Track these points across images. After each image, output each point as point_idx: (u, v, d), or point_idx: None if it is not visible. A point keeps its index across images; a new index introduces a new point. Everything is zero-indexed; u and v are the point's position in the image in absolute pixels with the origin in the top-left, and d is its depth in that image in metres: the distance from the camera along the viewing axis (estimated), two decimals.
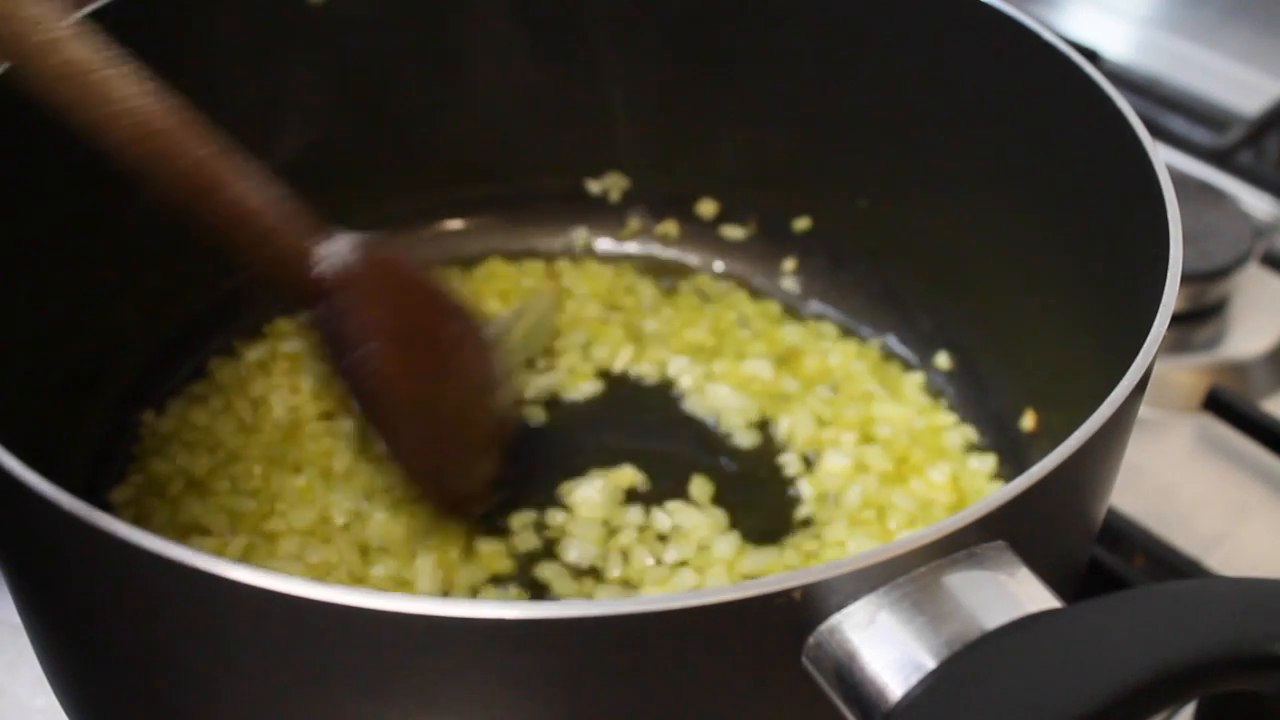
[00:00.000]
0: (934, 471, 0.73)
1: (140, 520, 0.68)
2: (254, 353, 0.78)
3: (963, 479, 0.73)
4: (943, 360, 0.79)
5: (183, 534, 0.68)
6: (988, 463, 0.74)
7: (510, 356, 0.77)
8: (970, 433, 0.76)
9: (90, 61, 0.54)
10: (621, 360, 0.79)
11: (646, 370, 0.79)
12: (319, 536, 0.68)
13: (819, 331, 0.82)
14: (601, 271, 0.86)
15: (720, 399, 0.76)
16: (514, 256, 0.87)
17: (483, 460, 0.70)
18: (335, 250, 0.62)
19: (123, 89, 0.54)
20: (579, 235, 0.87)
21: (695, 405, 0.77)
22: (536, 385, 0.77)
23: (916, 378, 0.79)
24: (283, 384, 0.76)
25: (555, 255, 0.87)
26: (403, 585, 0.66)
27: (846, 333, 0.82)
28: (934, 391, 0.78)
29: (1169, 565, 0.75)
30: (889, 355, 0.81)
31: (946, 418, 0.76)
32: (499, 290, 0.84)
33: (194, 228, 0.57)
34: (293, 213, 0.60)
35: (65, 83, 0.53)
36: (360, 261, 0.62)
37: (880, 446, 0.74)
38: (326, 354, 0.63)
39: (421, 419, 0.66)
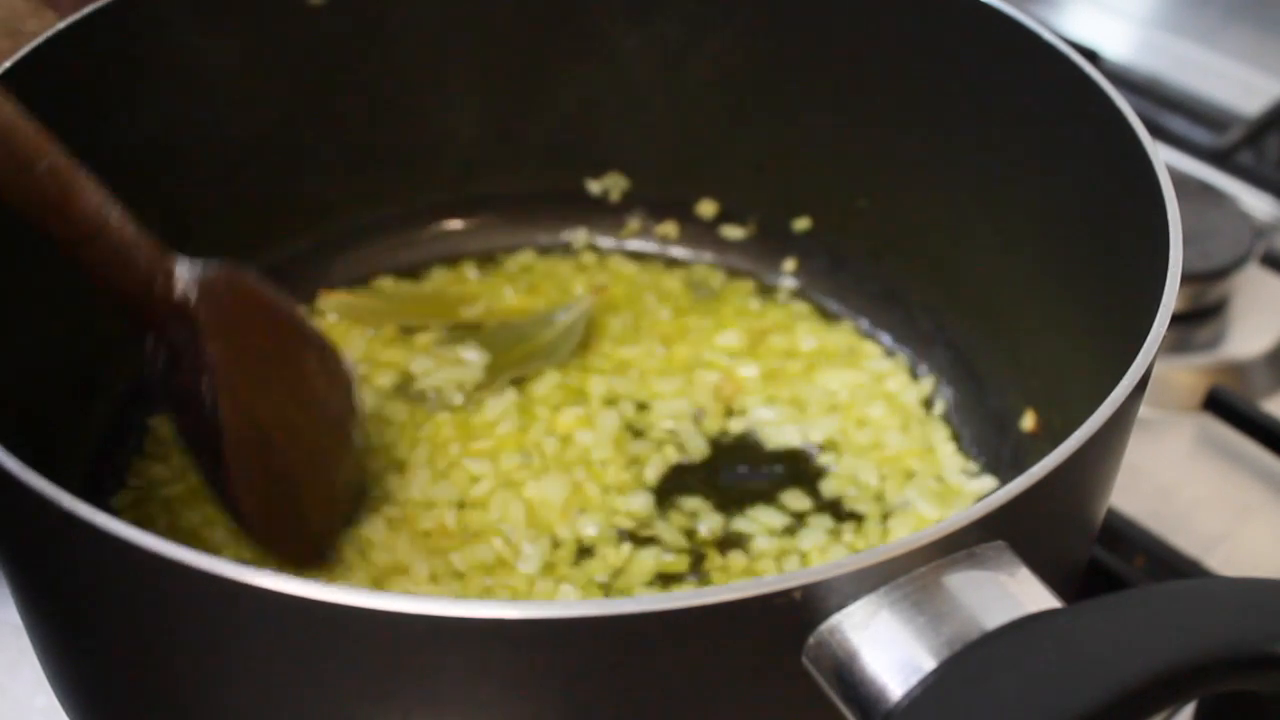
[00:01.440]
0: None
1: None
2: None
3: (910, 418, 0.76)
4: (942, 360, 0.79)
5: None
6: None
7: (538, 361, 0.78)
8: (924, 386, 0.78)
9: None
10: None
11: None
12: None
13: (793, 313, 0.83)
14: (626, 269, 0.86)
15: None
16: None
17: (327, 506, 0.67)
18: (186, 273, 0.59)
19: None
20: (579, 235, 0.87)
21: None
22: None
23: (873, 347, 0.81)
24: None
25: (553, 254, 0.87)
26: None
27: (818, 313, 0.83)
28: (875, 340, 0.81)
29: (1169, 565, 0.75)
30: (859, 332, 0.82)
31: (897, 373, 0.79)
32: (530, 284, 0.84)
33: (45, 240, 0.56)
34: (142, 233, 0.58)
35: None
36: (211, 285, 0.60)
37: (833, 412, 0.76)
38: (163, 381, 0.61)
39: (259, 457, 0.63)
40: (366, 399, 0.75)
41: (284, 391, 0.64)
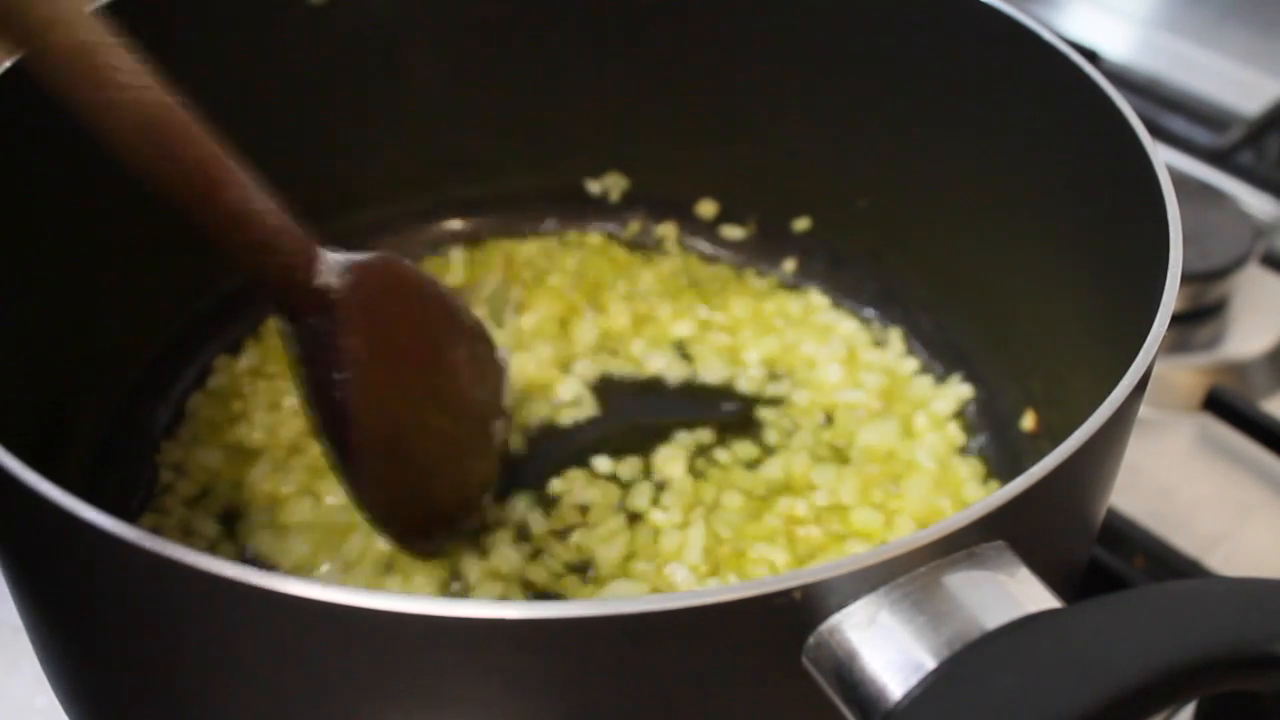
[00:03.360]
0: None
1: None
2: (248, 359, 0.78)
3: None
4: (942, 360, 0.79)
5: None
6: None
7: None
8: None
9: (97, 43, 0.51)
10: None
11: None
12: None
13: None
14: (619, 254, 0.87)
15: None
16: None
17: (463, 493, 0.67)
18: (334, 262, 0.58)
19: (130, 75, 0.52)
20: (579, 235, 0.87)
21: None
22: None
23: (857, 328, 0.82)
24: (264, 402, 0.75)
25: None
26: None
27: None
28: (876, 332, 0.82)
29: (1169, 565, 0.75)
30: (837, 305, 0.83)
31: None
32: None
33: (192, 230, 0.55)
34: (291, 222, 0.57)
35: (69, 63, 0.51)
36: (358, 277, 0.59)
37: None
38: (304, 372, 0.59)
39: (390, 453, 0.61)
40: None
41: (427, 387, 0.63)
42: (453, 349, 0.64)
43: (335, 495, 0.69)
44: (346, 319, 0.58)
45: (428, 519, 0.65)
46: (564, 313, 0.81)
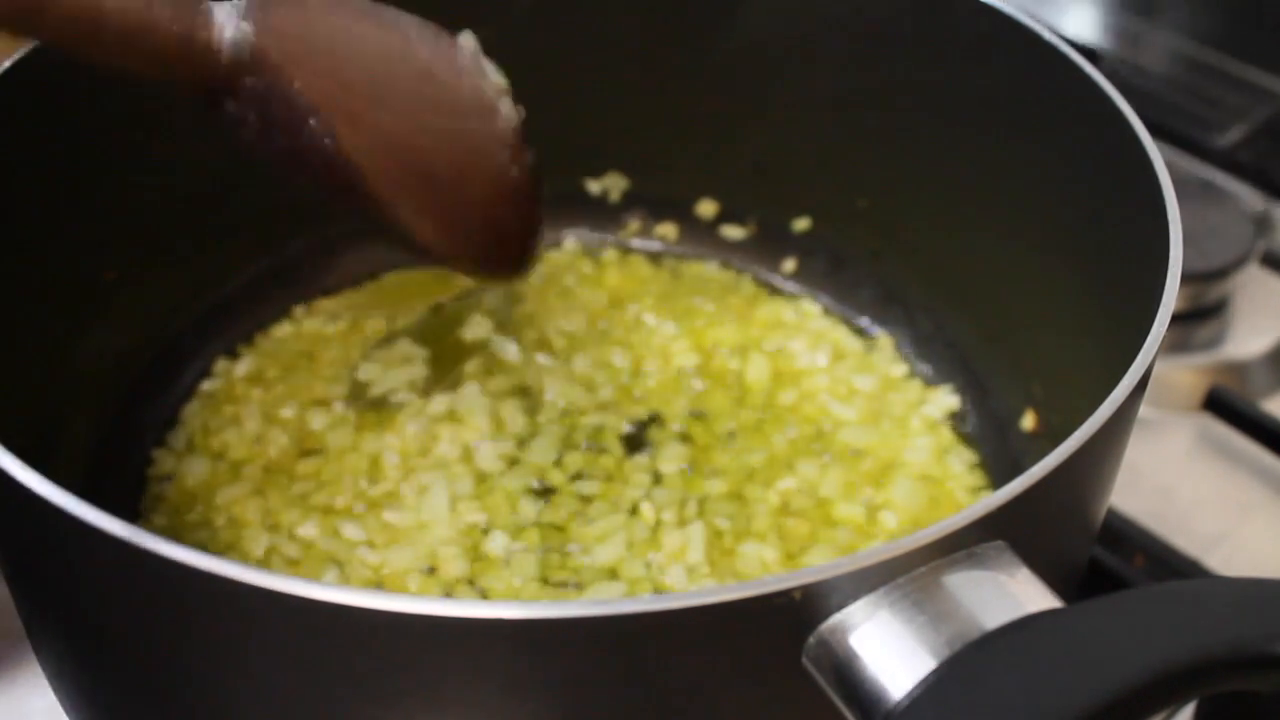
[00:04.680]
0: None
1: None
2: (246, 365, 0.78)
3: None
4: (943, 360, 0.79)
5: None
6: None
7: (476, 350, 0.78)
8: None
9: None
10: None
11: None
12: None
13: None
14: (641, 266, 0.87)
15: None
16: None
17: (511, 204, 0.62)
18: (231, 23, 0.51)
19: None
20: (579, 235, 0.87)
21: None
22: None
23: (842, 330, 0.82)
24: (257, 412, 0.75)
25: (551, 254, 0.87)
26: None
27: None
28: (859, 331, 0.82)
29: (1169, 565, 0.75)
30: (828, 312, 0.83)
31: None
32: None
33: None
34: (162, 6, 0.50)
35: None
36: (269, 21, 0.51)
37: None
38: (279, 143, 0.53)
39: (410, 175, 0.55)
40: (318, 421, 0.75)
41: (404, 95, 0.56)
42: (409, 50, 0.57)
43: (306, 528, 0.68)
44: (281, 67, 0.51)
45: (493, 228, 0.61)
46: (584, 328, 0.81)
